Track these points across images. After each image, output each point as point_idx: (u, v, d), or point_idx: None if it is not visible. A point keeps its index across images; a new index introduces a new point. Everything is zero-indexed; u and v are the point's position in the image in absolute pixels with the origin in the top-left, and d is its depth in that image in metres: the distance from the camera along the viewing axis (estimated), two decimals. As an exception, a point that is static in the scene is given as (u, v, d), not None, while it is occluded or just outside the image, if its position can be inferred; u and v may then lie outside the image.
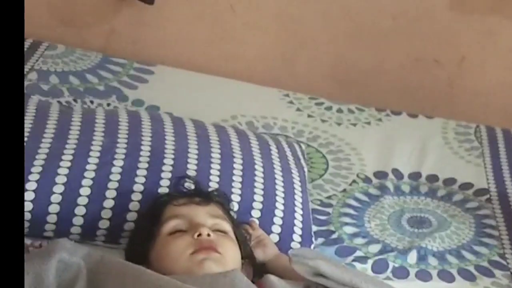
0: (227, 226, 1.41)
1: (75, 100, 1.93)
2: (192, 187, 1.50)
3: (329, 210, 1.71)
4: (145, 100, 1.97)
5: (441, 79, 2.19)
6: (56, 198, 1.50)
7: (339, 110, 2.05)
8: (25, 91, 1.90)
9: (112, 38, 2.22)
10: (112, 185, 1.53)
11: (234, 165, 1.61)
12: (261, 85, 2.11)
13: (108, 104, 1.94)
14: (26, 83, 1.95)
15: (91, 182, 1.52)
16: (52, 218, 1.49)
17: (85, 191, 1.51)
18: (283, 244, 1.53)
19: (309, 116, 2.02)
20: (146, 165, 1.56)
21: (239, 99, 2.03)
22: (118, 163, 1.56)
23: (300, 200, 1.62)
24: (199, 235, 1.35)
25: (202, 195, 1.45)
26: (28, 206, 1.48)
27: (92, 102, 1.94)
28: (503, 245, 1.67)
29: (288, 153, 1.74)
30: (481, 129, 2.05)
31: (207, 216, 1.40)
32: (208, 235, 1.36)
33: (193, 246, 1.34)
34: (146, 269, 1.29)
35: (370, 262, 1.57)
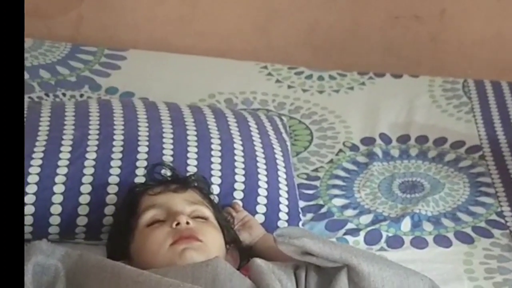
0: (207, 212, 1.37)
1: (46, 95, 1.89)
2: (168, 173, 1.45)
3: (317, 183, 1.67)
4: (118, 87, 1.93)
5: (423, 35, 2.15)
6: (30, 199, 1.46)
7: (320, 78, 2.01)
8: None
9: (81, 26, 2.18)
10: (87, 179, 1.49)
11: (212, 146, 1.57)
12: (237, 60, 2.06)
13: (81, 95, 1.90)
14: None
15: (64, 179, 1.49)
16: (28, 220, 1.46)
17: (59, 188, 1.48)
18: (270, 223, 1.49)
19: (289, 87, 1.97)
20: (120, 155, 1.53)
21: (216, 76, 1.99)
22: (91, 155, 1.52)
23: (284, 176, 1.58)
24: (178, 224, 1.31)
25: (178, 182, 1.41)
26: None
27: (64, 94, 1.90)
28: (500, 203, 1.63)
29: (269, 128, 1.69)
30: (469, 83, 2.00)
31: (185, 203, 1.36)
32: (187, 223, 1.32)
33: (172, 237, 1.30)
34: (126, 265, 1.25)
35: (362, 234, 1.53)
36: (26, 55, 2.02)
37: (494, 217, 1.59)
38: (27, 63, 1.99)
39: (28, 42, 2.07)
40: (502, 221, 1.58)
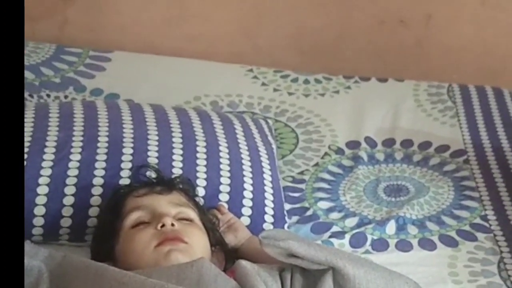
0: (192, 214, 1.36)
1: (31, 96, 1.87)
2: (153, 175, 1.44)
3: (302, 186, 1.66)
4: (103, 88, 1.92)
5: (408, 39, 2.15)
6: (13, 199, 1.43)
7: (306, 81, 2.00)
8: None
9: (66, 28, 2.17)
10: (71, 180, 1.48)
11: (197, 148, 1.56)
12: (223, 63, 2.06)
13: (66, 97, 1.89)
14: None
15: (48, 180, 1.48)
16: (11, 221, 1.43)
17: (42, 189, 1.47)
18: (255, 226, 1.48)
19: (275, 90, 1.97)
20: (105, 157, 1.51)
21: (202, 79, 1.98)
22: (75, 157, 1.51)
23: (270, 178, 1.57)
24: (163, 225, 1.30)
25: (163, 183, 1.40)
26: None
27: (48, 95, 1.89)
28: (484, 206, 1.63)
29: (254, 131, 1.69)
30: (454, 88, 2.01)
31: (170, 205, 1.35)
32: (172, 224, 1.31)
33: (157, 238, 1.29)
34: (109, 266, 1.24)
35: (347, 236, 1.53)
36: (10, 56, 2.01)
37: (478, 220, 1.59)
38: (11, 64, 1.98)
39: (12, 43, 2.06)
40: (486, 224, 1.58)
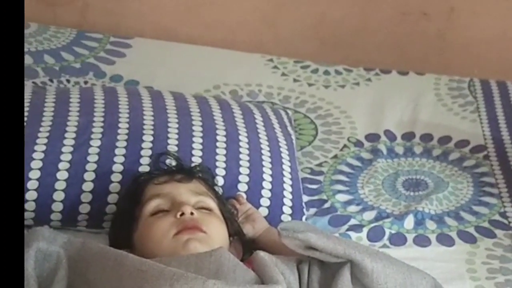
0: (211, 203, 1.36)
1: (51, 80, 1.87)
2: (173, 163, 1.44)
3: (320, 178, 1.66)
4: (123, 75, 1.91)
5: (430, 32, 2.13)
6: (32, 184, 1.45)
7: (326, 72, 1.99)
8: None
9: (87, 13, 2.16)
10: (90, 166, 1.48)
11: (217, 138, 1.55)
12: (243, 52, 2.05)
13: (86, 82, 1.89)
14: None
15: (68, 165, 1.47)
16: (30, 206, 1.45)
17: (62, 175, 1.46)
18: (273, 217, 1.48)
19: (295, 80, 1.96)
20: (125, 143, 1.51)
21: (222, 67, 1.97)
22: (95, 143, 1.51)
23: (289, 169, 1.57)
24: (182, 214, 1.30)
25: (183, 172, 1.40)
26: (2, 194, 1.42)
27: (68, 81, 1.89)
28: (504, 203, 1.62)
29: (274, 121, 1.68)
30: (475, 83, 2.00)
31: (189, 194, 1.35)
32: (192, 213, 1.31)
33: (176, 227, 1.29)
34: (129, 253, 1.25)
35: (365, 230, 1.52)
36: (30, 39, 2.01)
37: (497, 217, 1.58)
38: (31, 48, 1.98)
39: (33, 27, 2.05)
40: (505, 221, 1.57)
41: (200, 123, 1.57)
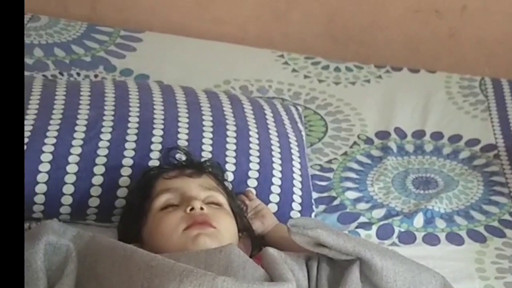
0: (221, 198, 1.35)
1: (61, 73, 1.88)
2: (183, 158, 1.44)
3: (330, 175, 1.65)
4: (133, 69, 1.92)
5: (442, 30, 2.12)
6: (42, 177, 1.45)
7: (337, 69, 1.99)
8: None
9: (97, 6, 2.16)
10: (100, 160, 1.48)
11: (227, 133, 1.55)
12: (254, 47, 2.05)
13: (96, 76, 1.89)
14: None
15: (78, 159, 1.47)
16: (39, 199, 1.45)
17: (72, 168, 1.46)
18: (282, 213, 1.47)
19: (305, 76, 1.96)
20: (135, 137, 1.51)
21: (232, 63, 1.98)
22: (105, 136, 1.51)
23: (299, 166, 1.56)
24: (192, 209, 1.30)
25: (194, 166, 1.40)
26: (13, 187, 1.42)
27: (78, 74, 1.89)
28: (514, 203, 1.62)
29: (284, 117, 1.68)
30: (486, 82, 1.99)
31: (199, 189, 1.34)
32: (202, 208, 1.30)
33: (186, 222, 1.29)
34: (138, 248, 1.24)
35: (374, 228, 1.52)
36: (41, 32, 2.01)
37: (507, 216, 1.58)
38: (42, 41, 1.98)
39: (43, 20, 2.06)
40: (515, 221, 1.57)
41: (211, 118, 1.57)
